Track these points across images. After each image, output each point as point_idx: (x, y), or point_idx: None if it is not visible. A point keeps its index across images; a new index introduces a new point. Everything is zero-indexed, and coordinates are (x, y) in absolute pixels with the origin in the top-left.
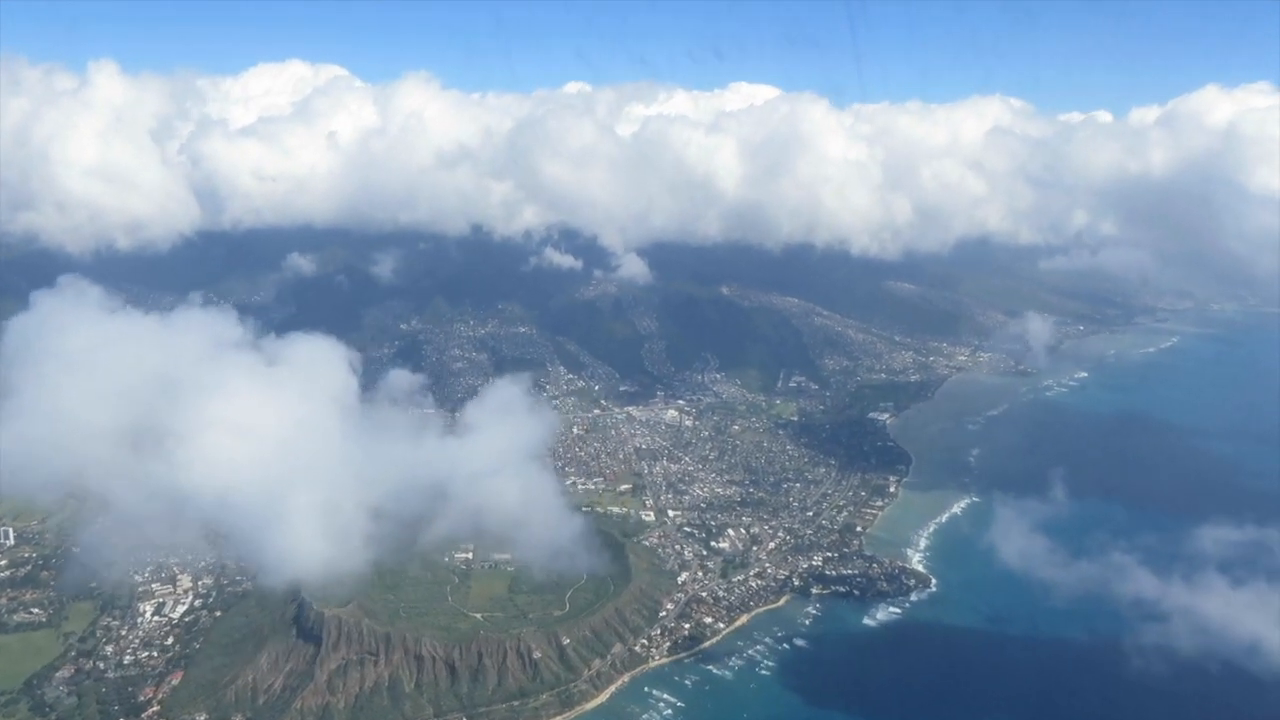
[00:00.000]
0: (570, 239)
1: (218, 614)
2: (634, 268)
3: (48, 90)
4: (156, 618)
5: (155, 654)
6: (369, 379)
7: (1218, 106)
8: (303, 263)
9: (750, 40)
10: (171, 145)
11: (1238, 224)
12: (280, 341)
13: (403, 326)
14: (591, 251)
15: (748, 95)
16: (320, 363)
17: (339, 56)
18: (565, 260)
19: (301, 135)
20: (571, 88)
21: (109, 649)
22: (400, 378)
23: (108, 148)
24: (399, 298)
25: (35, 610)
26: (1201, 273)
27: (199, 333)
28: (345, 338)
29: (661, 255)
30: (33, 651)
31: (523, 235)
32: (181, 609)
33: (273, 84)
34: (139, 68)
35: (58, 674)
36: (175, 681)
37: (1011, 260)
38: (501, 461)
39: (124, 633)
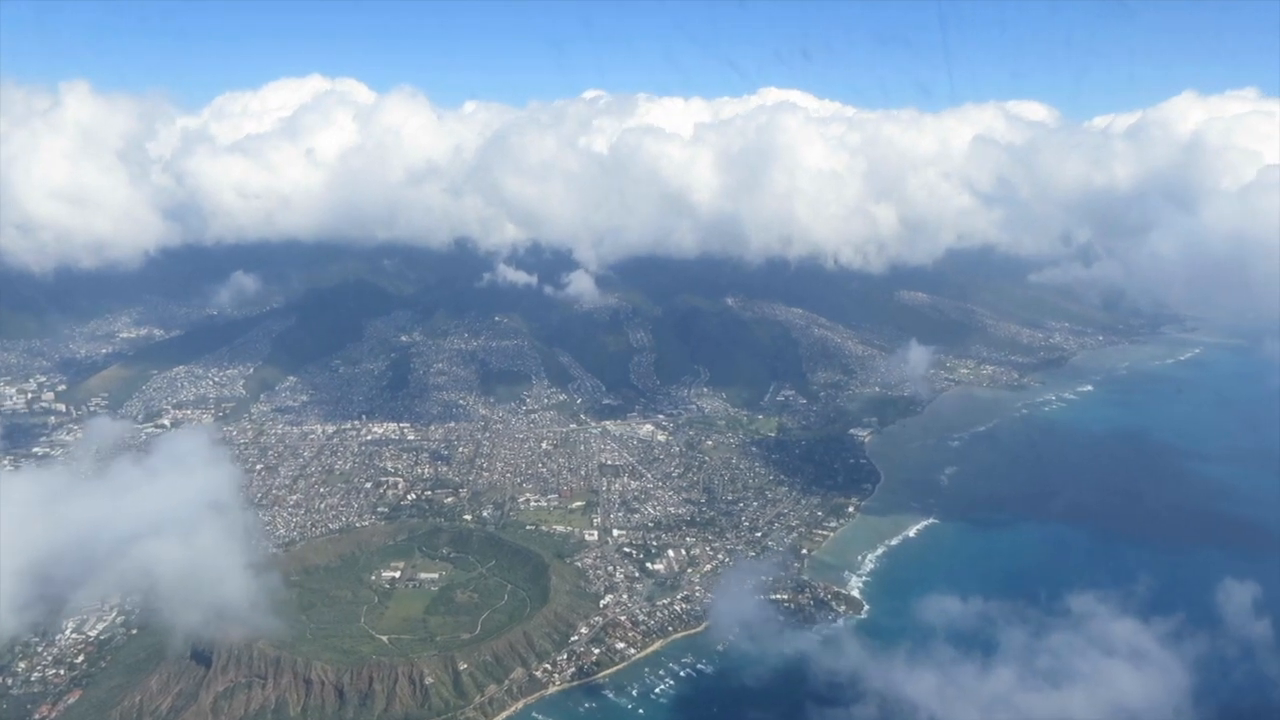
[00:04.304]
0: (546, 252)
1: (134, 632)
2: (623, 280)
3: (26, 111)
4: (75, 635)
5: (62, 671)
6: (358, 394)
7: (1190, 114)
8: (298, 277)
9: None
10: (144, 164)
11: (1190, 236)
12: None
13: (403, 339)
14: (570, 264)
15: (775, 99)
16: None
17: (360, 69)
18: (544, 273)
19: (287, 151)
20: (589, 95)
21: (22, 665)
22: (103, 424)
23: (74, 168)
24: (404, 309)
25: None
26: (1177, 287)
27: None
28: (344, 350)
29: (659, 267)
30: None
31: (508, 249)
32: (101, 626)
33: (289, 99)
34: (171, 82)
35: None
36: (72, 700)
37: (1015, 271)
38: (178, 515)
39: (40, 649)
